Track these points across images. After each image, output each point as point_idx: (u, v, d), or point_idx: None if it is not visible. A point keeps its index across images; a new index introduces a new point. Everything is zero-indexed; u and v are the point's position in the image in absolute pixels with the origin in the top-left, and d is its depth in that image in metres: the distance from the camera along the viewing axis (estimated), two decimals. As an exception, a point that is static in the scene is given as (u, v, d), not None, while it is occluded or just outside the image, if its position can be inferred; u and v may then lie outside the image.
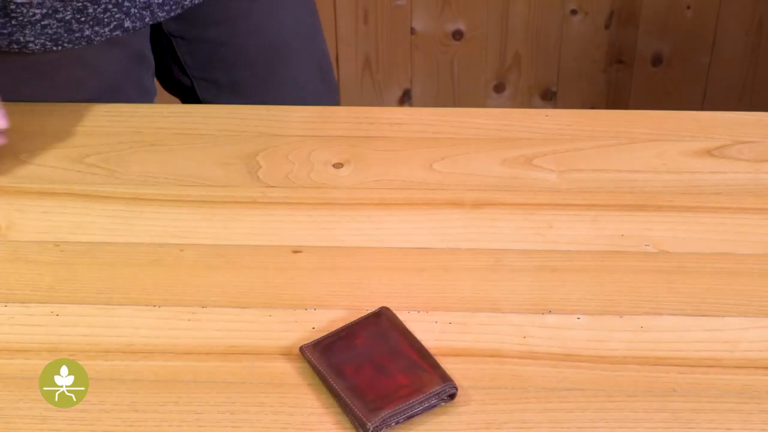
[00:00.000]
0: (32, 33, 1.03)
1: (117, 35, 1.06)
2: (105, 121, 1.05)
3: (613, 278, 0.89)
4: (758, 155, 1.01)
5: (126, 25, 1.05)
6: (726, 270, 0.90)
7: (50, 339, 0.85)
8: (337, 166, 1.01)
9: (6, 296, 0.89)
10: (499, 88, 2.15)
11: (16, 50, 1.04)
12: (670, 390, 0.81)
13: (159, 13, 1.07)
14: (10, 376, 0.83)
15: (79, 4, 1.02)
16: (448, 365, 0.82)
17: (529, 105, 2.17)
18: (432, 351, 0.84)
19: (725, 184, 0.98)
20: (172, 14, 1.09)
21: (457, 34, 2.09)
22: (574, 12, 2.04)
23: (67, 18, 1.02)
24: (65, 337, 0.85)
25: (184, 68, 1.22)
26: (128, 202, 0.97)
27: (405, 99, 2.18)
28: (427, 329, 0.85)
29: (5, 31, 1.03)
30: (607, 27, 2.08)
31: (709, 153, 1.01)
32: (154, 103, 1.16)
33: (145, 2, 1.05)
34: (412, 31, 2.09)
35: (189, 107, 1.08)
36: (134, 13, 1.05)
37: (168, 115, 1.06)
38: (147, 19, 1.07)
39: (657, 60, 2.12)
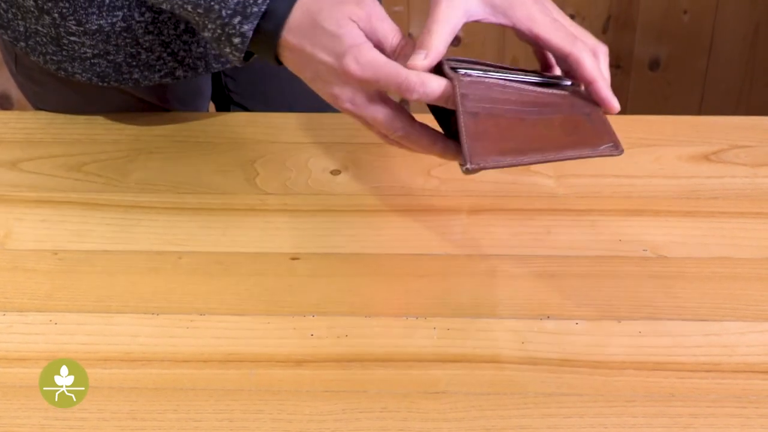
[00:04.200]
0: (81, 67, 1.03)
1: (166, 81, 1.05)
2: (103, 129, 1.05)
3: (611, 283, 0.89)
4: (756, 159, 1.01)
5: (177, 74, 1.04)
6: (724, 274, 0.90)
7: (49, 347, 0.85)
8: (335, 172, 1.01)
9: (4, 304, 0.89)
10: (496, 93, 2.15)
11: (63, 77, 1.05)
12: (669, 395, 0.81)
13: (214, 65, 1.05)
14: (9, 384, 0.82)
15: (133, 50, 1.01)
16: (446, 371, 0.82)
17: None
18: (431, 357, 0.84)
19: (723, 188, 0.98)
20: (228, 66, 1.07)
21: (455, 40, 2.09)
22: (571, 17, 2.04)
23: (118, 61, 1.02)
24: (64, 345, 0.85)
25: (227, 93, 1.22)
26: (126, 210, 0.97)
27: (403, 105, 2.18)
28: (426, 335, 0.85)
29: (55, 58, 1.03)
30: (604, 31, 2.08)
31: (706, 157, 1.01)
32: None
33: (201, 53, 1.04)
34: (410, 36, 2.10)
35: (186, 114, 1.08)
36: (188, 63, 1.04)
37: (165, 123, 1.06)
38: (200, 70, 1.05)
39: (654, 64, 2.12)
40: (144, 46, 1.01)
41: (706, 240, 0.93)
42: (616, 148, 0.81)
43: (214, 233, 0.95)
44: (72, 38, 1.00)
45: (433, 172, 1.00)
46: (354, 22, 0.82)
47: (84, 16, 0.97)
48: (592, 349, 0.84)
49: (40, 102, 1.11)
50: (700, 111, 2.16)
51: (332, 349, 0.85)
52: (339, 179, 1.00)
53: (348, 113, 0.86)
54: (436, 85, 0.82)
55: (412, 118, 0.86)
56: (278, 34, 0.84)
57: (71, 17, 0.98)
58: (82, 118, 1.06)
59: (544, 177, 0.99)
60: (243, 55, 0.86)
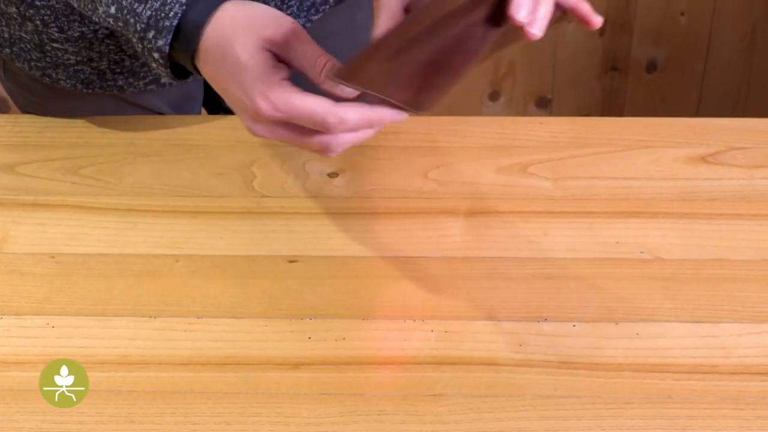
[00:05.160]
0: (65, 74, 1.03)
1: (152, 88, 1.05)
2: (99, 132, 1.05)
3: (608, 285, 0.89)
4: (753, 161, 1.01)
5: (163, 80, 1.04)
6: (721, 276, 0.90)
7: (46, 351, 0.85)
8: (332, 175, 1.01)
9: (1, 308, 0.89)
10: (493, 96, 2.15)
11: (48, 83, 1.05)
12: (667, 396, 0.81)
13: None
14: (6, 388, 0.82)
15: (116, 56, 1.01)
16: (444, 374, 0.82)
17: (524, 113, 2.17)
18: (428, 360, 0.84)
19: (720, 190, 0.98)
20: None
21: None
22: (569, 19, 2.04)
23: (101, 67, 1.02)
24: (61, 348, 0.85)
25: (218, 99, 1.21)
26: (123, 213, 0.97)
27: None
28: (423, 338, 0.85)
29: (40, 65, 1.03)
30: (601, 34, 2.08)
31: (703, 159, 1.01)
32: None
33: None
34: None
35: (183, 118, 1.08)
36: None
37: (162, 126, 1.06)
38: (188, 77, 1.05)
39: (651, 67, 2.12)
40: (128, 53, 1.01)
41: (703, 242, 0.93)
42: (414, 107, 0.75)
43: (212, 236, 0.95)
44: (55, 45, 1.00)
45: (430, 175, 1.00)
46: (268, 50, 0.76)
47: (66, 23, 0.97)
48: (590, 351, 0.84)
49: (29, 108, 1.11)
50: (697, 113, 2.16)
51: (330, 351, 0.85)
52: (336, 182, 1.00)
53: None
54: (356, 118, 0.75)
55: (338, 115, 0.75)
56: (192, 56, 0.79)
57: (53, 24, 0.97)
58: (78, 122, 1.06)
59: (541, 179, 0.99)
60: (168, 69, 0.82)
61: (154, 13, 0.79)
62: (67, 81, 1.04)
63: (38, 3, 0.96)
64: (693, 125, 1.05)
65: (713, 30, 2.07)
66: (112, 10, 0.82)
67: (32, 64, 1.03)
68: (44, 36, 0.99)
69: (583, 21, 0.80)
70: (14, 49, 1.03)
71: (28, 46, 1.01)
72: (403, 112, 0.76)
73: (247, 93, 0.76)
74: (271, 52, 0.76)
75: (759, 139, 1.03)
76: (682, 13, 2.06)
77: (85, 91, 1.04)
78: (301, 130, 0.76)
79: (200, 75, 0.81)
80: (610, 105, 2.17)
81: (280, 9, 1.05)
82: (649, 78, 2.13)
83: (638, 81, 2.14)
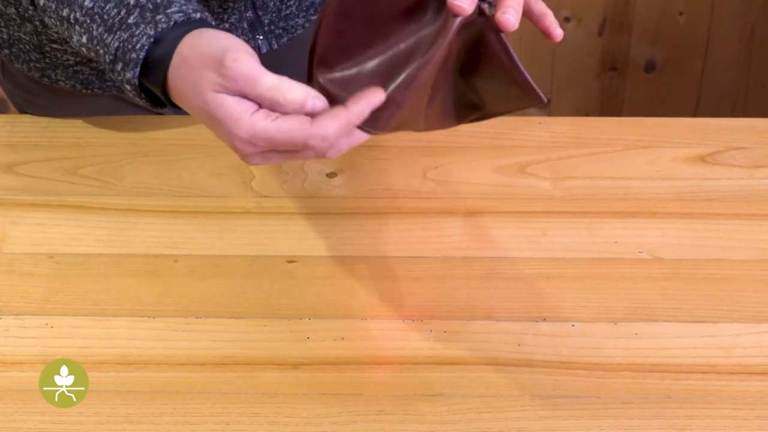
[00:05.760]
0: (64, 74, 1.03)
1: None
2: (98, 132, 1.05)
3: (607, 285, 0.89)
4: (751, 161, 1.01)
5: None
6: (720, 276, 0.90)
7: (45, 351, 0.85)
8: (331, 175, 1.01)
9: (0, 308, 0.89)
10: (493, 96, 2.15)
11: (47, 84, 1.05)
12: (665, 396, 0.81)
13: None
14: (5, 388, 0.82)
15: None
16: (443, 373, 0.82)
17: (522, 113, 2.17)
18: (427, 360, 0.84)
19: (718, 190, 0.98)
20: None
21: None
22: (567, 19, 2.04)
23: (100, 68, 1.02)
24: (60, 348, 0.85)
25: None
26: (122, 213, 0.97)
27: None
28: (422, 338, 0.85)
29: (39, 66, 1.03)
30: (600, 34, 2.08)
31: (702, 159, 1.01)
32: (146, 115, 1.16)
33: None
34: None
35: (183, 118, 1.08)
36: None
37: (161, 126, 1.06)
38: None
39: (650, 67, 2.12)
40: None
41: (702, 242, 0.93)
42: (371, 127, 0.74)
43: (211, 236, 0.95)
44: (54, 46, 1.00)
45: (429, 175, 1.00)
46: (224, 91, 0.73)
47: None
48: (589, 351, 0.84)
49: (28, 109, 1.11)
50: (696, 113, 2.16)
51: (329, 351, 0.85)
52: (335, 182, 1.00)
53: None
54: (336, 128, 0.72)
55: (318, 135, 0.72)
56: (161, 88, 0.77)
57: None
58: (77, 122, 1.06)
59: (540, 179, 0.99)
60: (144, 100, 0.80)
61: (121, 44, 0.78)
62: (66, 81, 1.04)
63: None
64: (692, 125, 1.05)
65: (712, 30, 2.07)
66: (84, 39, 0.81)
67: (31, 64, 1.03)
68: (43, 37, 0.99)
69: (545, 33, 0.81)
70: (13, 50, 1.03)
71: (28, 47, 1.01)
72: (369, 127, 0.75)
73: (223, 134, 0.74)
74: (228, 91, 0.73)
75: (758, 139, 1.03)
76: (681, 13, 2.06)
77: (84, 91, 1.04)
78: (292, 152, 0.74)
79: (176, 107, 0.80)
80: (609, 105, 2.17)
81: (279, 9, 1.05)
82: (648, 78, 2.13)
83: (637, 81, 2.14)
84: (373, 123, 0.74)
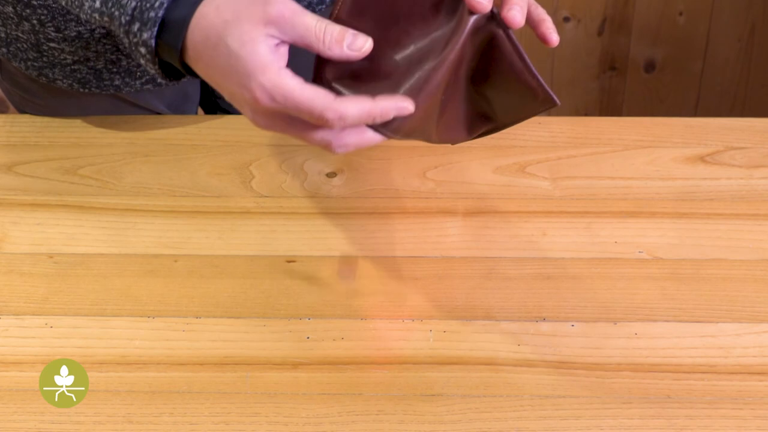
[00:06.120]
0: (61, 73, 1.03)
1: (148, 88, 1.05)
2: (98, 132, 1.05)
3: (607, 285, 0.89)
4: (751, 161, 1.01)
5: (159, 80, 1.03)
6: (720, 276, 0.90)
7: (44, 351, 0.85)
8: (331, 175, 1.01)
9: (0, 308, 0.89)
10: (492, 95, 2.15)
11: (45, 83, 1.04)
12: (665, 396, 0.81)
13: None
14: (5, 388, 0.82)
15: (113, 56, 1.01)
16: (442, 373, 0.82)
17: (522, 112, 2.16)
18: (427, 360, 0.84)
19: (718, 190, 0.98)
20: None
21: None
22: (566, 19, 2.04)
23: (98, 67, 1.02)
24: (59, 348, 0.85)
25: (214, 98, 1.21)
26: (122, 213, 0.97)
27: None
28: (422, 338, 0.85)
29: (36, 64, 1.03)
30: (599, 34, 2.08)
31: (701, 159, 1.01)
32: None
33: None
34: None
35: (182, 118, 1.08)
36: None
37: (161, 126, 1.06)
38: (183, 77, 1.04)
39: (650, 66, 2.12)
40: (124, 53, 1.01)
41: (701, 242, 0.93)
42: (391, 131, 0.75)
43: (210, 236, 0.95)
44: (52, 44, 0.99)
45: (428, 175, 1.00)
46: (262, 36, 0.72)
47: (62, 22, 0.97)
48: (588, 351, 0.84)
49: (26, 108, 1.11)
50: (695, 113, 2.16)
51: (328, 351, 0.85)
52: (334, 182, 1.00)
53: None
54: (357, 113, 0.71)
55: (337, 111, 0.72)
56: (180, 54, 0.76)
57: (50, 24, 0.97)
58: (77, 122, 1.06)
59: (540, 179, 0.99)
60: (157, 66, 0.79)
61: (138, 3, 0.77)
62: (64, 81, 1.04)
63: (35, 2, 0.96)
64: (691, 125, 1.05)
65: (711, 30, 2.07)
66: (97, 4, 0.80)
67: (29, 63, 1.03)
68: (41, 35, 0.99)
69: (542, 39, 0.81)
70: (11, 48, 1.03)
71: (25, 45, 1.01)
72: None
73: (242, 84, 0.73)
74: (266, 37, 0.72)
75: (757, 139, 1.03)
76: (681, 13, 2.06)
77: (81, 90, 1.04)
78: (303, 124, 0.74)
79: (190, 75, 0.80)
80: (609, 105, 2.17)
81: None
82: (648, 78, 2.13)
83: (636, 81, 2.14)
84: (385, 124, 0.74)
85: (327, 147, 0.74)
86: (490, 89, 0.78)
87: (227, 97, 0.77)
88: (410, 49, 0.76)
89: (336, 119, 0.71)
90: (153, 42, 0.77)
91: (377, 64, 0.76)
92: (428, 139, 0.80)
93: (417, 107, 0.74)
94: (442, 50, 0.74)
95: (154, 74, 0.81)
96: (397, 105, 0.73)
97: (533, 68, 0.76)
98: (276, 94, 0.71)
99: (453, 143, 0.83)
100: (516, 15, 0.75)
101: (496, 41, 0.76)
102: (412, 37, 0.76)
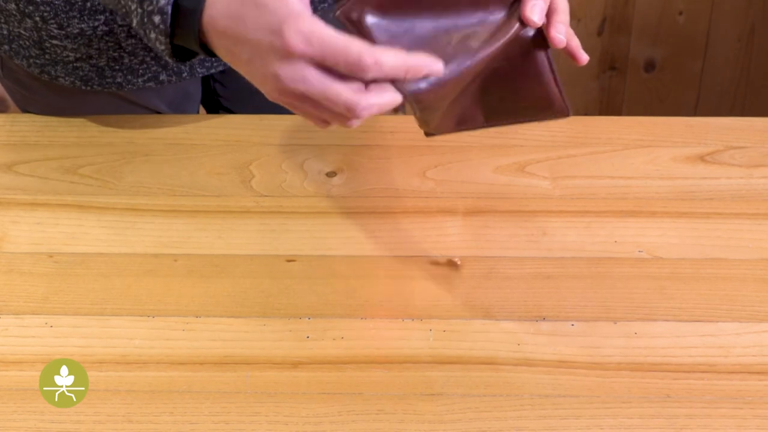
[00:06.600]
0: (63, 71, 1.03)
1: (150, 86, 1.05)
2: (98, 132, 1.05)
3: (606, 284, 0.89)
4: (751, 160, 1.01)
5: (161, 78, 1.04)
6: (719, 275, 0.90)
7: (44, 350, 0.85)
8: (331, 174, 1.01)
9: (0, 308, 0.89)
10: (492, 95, 2.15)
11: (47, 80, 1.04)
12: (665, 396, 0.81)
13: (199, 69, 1.04)
14: (4, 387, 0.82)
15: (115, 54, 1.01)
16: (442, 373, 0.82)
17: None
18: (427, 359, 0.84)
19: (718, 189, 0.98)
20: (213, 71, 1.06)
21: None
22: (566, 19, 2.04)
23: (100, 65, 1.02)
24: (59, 348, 0.85)
25: (216, 97, 1.21)
26: (122, 212, 0.97)
27: (398, 107, 2.18)
28: (422, 337, 0.85)
29: (38, 62, 1.03)
30: (599, 33, 2.08)
31: (701, 159, 1.01)
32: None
33: None
34: None
35: (182, 117, 1.08)
36: (172, 67, 1.03)
37: (161, 125, 1.06)
38: (185, 74, 1.04)
39: (650, 66, 2.12)
40: (127, 50, 1.01)
41: (701, 241, 0.93)
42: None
43: (210, 236, 0.95)
44: (54, 42, 0.99)
45: (428, 174, 1.00)
46: None
47: (65, 19, 0.97)
48: (588, 350, 0.84)
49: (28, 106, 1.11)
50: (695, 112, 2.16)
51: (328, 351, 0.85)
52: (334, 181, 1.00)
53: (293, 99, 0.74)
54: (393, 62, 0.71)
55: (374, 56, 0.71)
56: (199, 11, 0.74)
57: (53, 21, 0.97)
58: (77, 121, 1.06)
59: (540, 178, 0.99)
60: (168, 39, 0.78)
61: None
62: (66, 78, 1.04)
63: None
64: (691, 124, 1.05)
65: (711, 29, 2.07)
66: None
67: (31, 61, 1.03)
68: (43, 33, 0.99)
69: (571, 56, 0.83)
70: (13, 45, 1.03)
71: (27, 42, 1.01)
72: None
73: (274, 31, 0.70)
74: None
75: (757, 139, 1.03)
76: (681, 13, 2.06)
77: (83, 88, 1.04)
78: (330, 79, 0.71)
79: (200, 51, 0.77)
80: (608, 104, 2.17)
81: None
82: (647, 77, 2.13)
83: (636, 80, 2.14)
84: (410, 87, 0.73)
85: (351, 109, 0.72)
86: (506, 89, 0.79)
87: (246, 58, 0.74)
88: (453, 25, 0.76)
89: (372, 63, 0.69)
90: (169, 8, 0.76)
91: (417, 26, 0.76)
92: (430, 122, 0.79)
93: (444, 83, 0.74)
94: (482, 41, 0.75)
95: (161, 51, 0.79)
96: (430, 65, 0.72)
97: (559, 79, 0.77)
98: (313, 38, 0.70)
99: (441, 133, 0.83)
100: (561, 37, 0.79)
101: (533, 52, 0.77)
102: (459, 15, 0.76)
